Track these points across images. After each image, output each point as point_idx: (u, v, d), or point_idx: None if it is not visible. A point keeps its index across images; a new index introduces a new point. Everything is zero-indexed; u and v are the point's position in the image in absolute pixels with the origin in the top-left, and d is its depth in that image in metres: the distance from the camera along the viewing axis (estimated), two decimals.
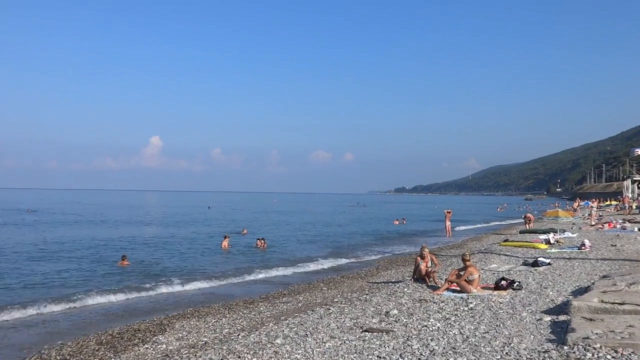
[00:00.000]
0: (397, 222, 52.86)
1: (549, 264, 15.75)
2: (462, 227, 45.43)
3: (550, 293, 11.23)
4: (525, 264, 16.36)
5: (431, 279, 13.40)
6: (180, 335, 10.31)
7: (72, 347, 9.79)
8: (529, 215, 38.27)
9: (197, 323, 11.39)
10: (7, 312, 12.90)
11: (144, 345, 9.69)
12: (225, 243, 28.02)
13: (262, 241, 28.66)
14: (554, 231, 27.31)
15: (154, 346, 9.52)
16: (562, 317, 8.61)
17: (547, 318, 8.77)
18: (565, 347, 6.83)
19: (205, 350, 8.22)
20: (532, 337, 7.70)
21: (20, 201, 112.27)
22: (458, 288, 11.88)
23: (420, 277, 13.68)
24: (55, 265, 21.17)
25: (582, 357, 6.36)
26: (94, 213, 68.23)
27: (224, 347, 8.17)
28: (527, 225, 34.97)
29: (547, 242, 22.43)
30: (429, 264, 13.85)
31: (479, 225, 49.52)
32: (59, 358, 9.13)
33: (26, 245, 28.14)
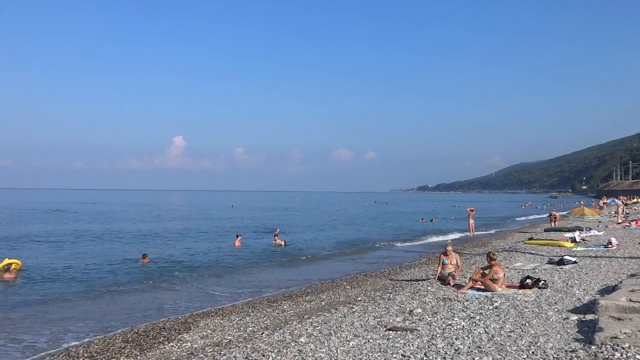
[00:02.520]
0: (423, 221, 52.46)
1: (575, 262, 15.53)
2: (485, 229, 44.94)
3: (577, 292, 11.08)
4: (550, 262, 16.16)
5: (456, 278, 13.30)
6: (205, 333, 10.39)
7: (99, 345, 9.94)
8: (554, 213, 37.68)
9: (222, 321, 11.46)
10: (33, 311, 13.15)
11: (169, 343, 9.79)
12: (237, 242, 28.16)
13: (280, 239, 28.76)
14: (580, 229, 26.96)
15: (179, 344, 9.61)
16: (589, 316, 8.49)
17: (574, 317, 8.66)
18: (593, 347, 6.73)
19: (230, 348, 8.27)
20: (558, 336, 7.61)
21: (48, 201, 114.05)
22: (482, 287, 11.78)
23: (443, 276, 13.59)
24: (79, 263, 21.55)
25: (611, 356, 6.26)
26: (118, 212, 69.12)
27: (249, 346, 8.21)
28: (552, 224, 34.50)
29: (573, 240, 22.13)
30: (453, 261, 13.77)
31: (506, 226, 48.92)
32: (86, 355, 9.27)
33: (52, 244, 28.61)
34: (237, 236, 29.01)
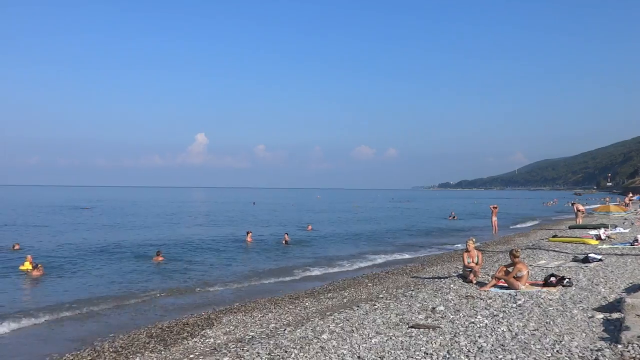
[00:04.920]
0: (451, 218, 52.57)
1: (600, 260, 15.33)
2: (508, 226, 44.47)
3: (602, 290, 10.93)
4: (575, 260, 15.96)
5: (478, 276, 13.20)
6: (228, 329, 10.46)
7: (124, 340, 10.08)
8: (579, 207, 36.67)
9: (244, 318, 11.53)
10: (59, 307, 13.38)
11: (192, 338, 9.88)
12: (248, 237, 28.42)
13: (289, 237, 28.91)
14: (605, 226, 26.53)
15: (202, 340, 9.70)
16: (615, 315, 8.38)
17: (600, 316, 8.55)
18: (619, 346, 6.65)
19: (253, 344, 8.33)
20: (583, 335, 7.52)
21: (75, 199, 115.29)
22: (506, 284, 11.69)
23: (465, 273, 13.51)
24: (99, 260, 21.87)
25: (637, 356, 6.18)
26: (140, 210, 69.84)
27: (271, 342, 8.26)
28: (577, 220, 33.96)
29: (598, 237, 21.82)
30: (475, 259, 13.68)
31: (530, 224, 48.31)
32: (111, 350, 9.40)
33: (76, 242, 28.99)
34: (248, 233, 29.37)
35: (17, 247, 23.03)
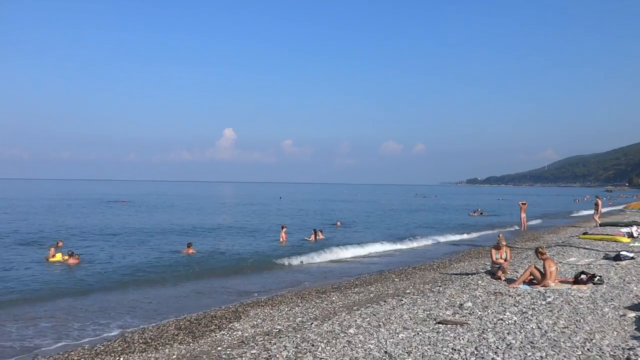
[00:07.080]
0: (475, 214, 51.98)
1: (632, 258, 15.04)
2: (537, 223, 43.87)
3: (635, 288, 10.74)
4: (606, 257, 15.70)
5: (507, 272, 13.09)
6: (255, 322, 10.55)
7: (153, 332, 10.23)
8: (599, 204, 34.85)
9: (271, 311, 11.61)
10: (90, 297, 13.67)
11: (220, 331, 9.99)
12: (282, 233, 28.21)
13: (319, 233, 28.84)
14: (637, 224, 25.99)
15: (230, 332, 9.79)
16: None
17: (632, 314, 8.41)
18: None
19: (280, 337, 8.39)
20: (615, 333, 7.41)
21: (110, 193, 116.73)
22: (535, 281, 11.56)
23: (493, 270, 13.40)
24: (131, 253, 22.17)
25: None
26: (173, 204, 70.65)
27: (298, 335, 8.31)
28: (595, 218, 33.03)
29: (630, 235, 21.40)
30: (503, 255, 13.56)
31: (558, 223, 47.58)
32: (141, 341, 9.55)
33: (108, 234, 29.49)
34: (283, 227, 29.08)
35: (60, 244, 23.50)
